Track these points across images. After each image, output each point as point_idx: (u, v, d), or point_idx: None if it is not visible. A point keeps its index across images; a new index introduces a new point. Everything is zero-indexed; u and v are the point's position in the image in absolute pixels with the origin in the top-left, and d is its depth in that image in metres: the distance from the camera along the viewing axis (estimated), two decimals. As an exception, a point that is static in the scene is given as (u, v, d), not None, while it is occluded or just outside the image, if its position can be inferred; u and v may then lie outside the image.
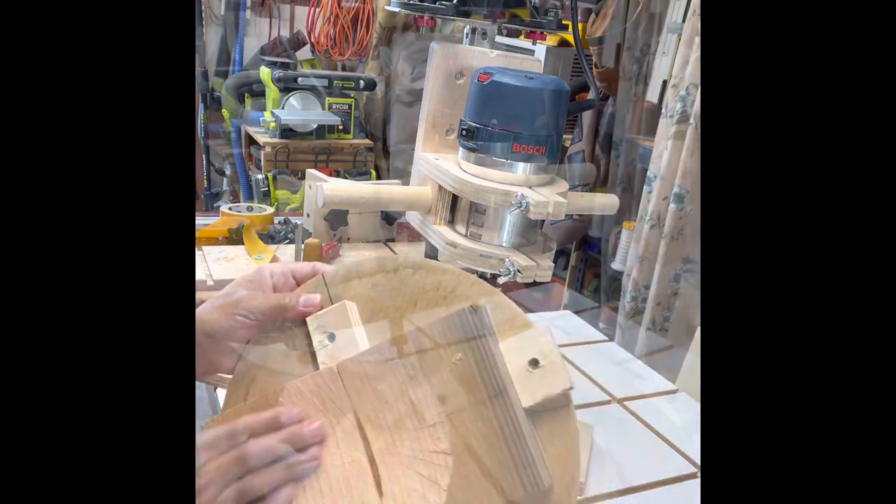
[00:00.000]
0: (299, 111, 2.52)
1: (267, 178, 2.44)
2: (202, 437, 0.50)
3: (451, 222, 0.80)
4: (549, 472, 0.48)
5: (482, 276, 0.82)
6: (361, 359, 0.53)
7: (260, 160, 2.55)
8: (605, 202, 0.83)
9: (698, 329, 1.45)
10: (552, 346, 0.50)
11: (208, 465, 0.48)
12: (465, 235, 0.78)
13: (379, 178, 2.80)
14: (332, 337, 0.54)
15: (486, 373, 0.50)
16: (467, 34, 0.82)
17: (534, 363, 0.49)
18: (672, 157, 1.76)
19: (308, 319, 0.54)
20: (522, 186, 0.72)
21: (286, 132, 2.46)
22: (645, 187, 1.87)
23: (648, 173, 1.86)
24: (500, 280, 0.74)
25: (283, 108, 2.50)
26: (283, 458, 0.49)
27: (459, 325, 0.51)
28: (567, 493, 0.49)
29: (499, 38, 0.84)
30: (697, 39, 1.70)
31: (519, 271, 0.72)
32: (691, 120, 1.70)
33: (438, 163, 0.78)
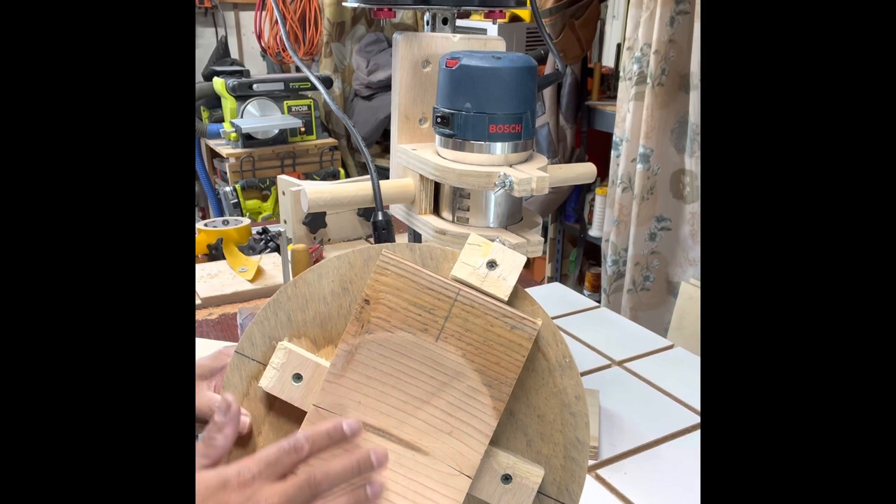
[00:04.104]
0: (259, 118, 2.50)
1: (235, 189, 2.41)
2: (261, 454, 0.49)
3: (436, 210, 0.81)
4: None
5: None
6: (331, 382, 0.52)
7: (225, 172, 2.52)
8: (583, 171, 0.84)
9: (681, 284, 1.48)
10: (492, 243, 0.54)
11: (274, 487, 0.47)
12: (452, 221, 0.78)
13: (347, 175, 2.79)
14: (297, 377, 0.53)
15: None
16: (428, 21, 0.82)
17: (491, 264, 0.53)
18: (634, 118, 1.78)
19: (261, 384, 0.53)
20: (503, 166, 0.73)
21: (248, 140, 2.44)
22: (612, 151, 1.89)
23: (614, 137, 1.88)
24: (493, 261, 0.75)
25: (241, 117, 2.47)
26: (350, 483, 0.49)
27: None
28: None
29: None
30: (646, 0, 1.72)
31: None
32: (648, 80, 1.73)
33: (416, 153, 0.78)
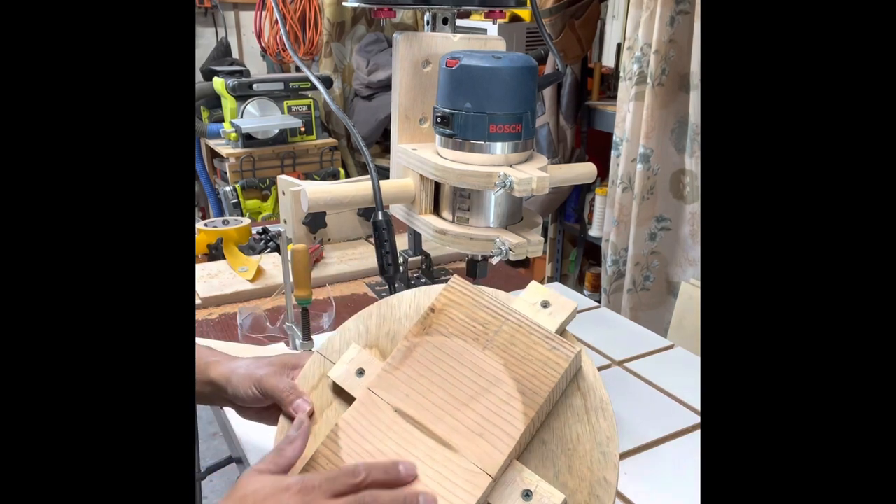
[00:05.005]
0: (259, 118, 2.49)
1: (235, 189, 2.41)
2: (323, 472, 0.53)
3: (437, 210, 0.81)
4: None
5: (473, 259, 0.83)
6: (387, 372, 0.58)
7: (225, 172, 2.52)
8: (583, 171, 0.84)
9: (681, 284, 1.48)
10: (550, 290, 0.61)
11: (329, 502, 0.51)
12: (453, 221, 0.78)
13: (347, 175, 2.79)
14: (360, 372, 0.60)
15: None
16: (428, 21, 0.82)
17: (545, 304, 0.60)
18: (634, 118, 1.78)
19: (330, 374, 0.61)
20: (503, 166, 0.73)
21: (248, 140, 2.44)
22: (613, 151, 1.89)
23: (614, 137, 1.88)
24: (494, 261, 0.75)
25: (241, 117, 2.47)
26: None
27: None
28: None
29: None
30: (646, 0, 1.71)
31: (511, 249, 0.73)
32: (648, 80, 1.72)
33: (416, 153, 0.78)
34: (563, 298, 0.60)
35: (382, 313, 0.64)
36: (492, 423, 0.55)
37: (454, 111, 0.72)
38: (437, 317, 0.60)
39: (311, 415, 0.60)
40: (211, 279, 1.26)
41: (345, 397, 0.60)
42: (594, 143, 2.21)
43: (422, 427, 0.56)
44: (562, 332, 0.59)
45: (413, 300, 0.63)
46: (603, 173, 2.05)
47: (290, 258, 1.00)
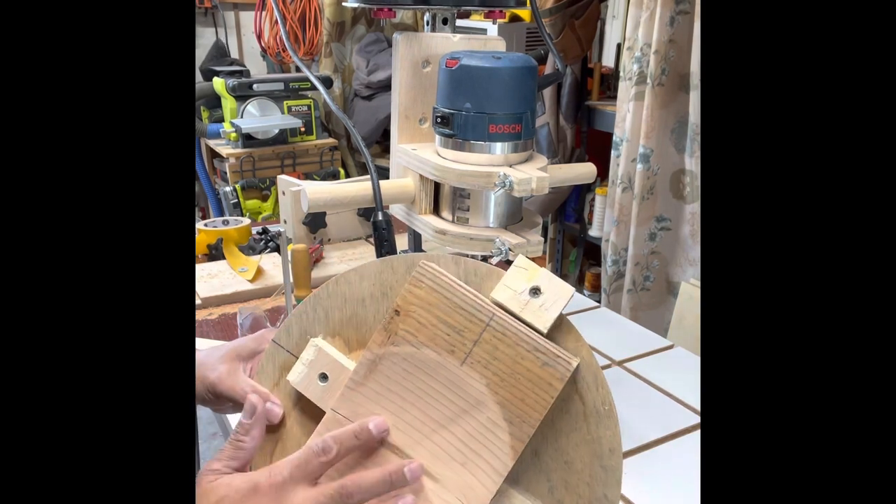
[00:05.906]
0: (259, 118, 2.49)
1: (235, 189, 2.41)
2: (291, 457, 0.48)
3: (436, 210, 0.81)
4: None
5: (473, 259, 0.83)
6: (351, 389, 0.51)
7: (225, 172, 2.52)
8: (583, 171, 0.84)
9: (681, 284, 1.48)
10: (541, 270, 0.51)
11: (306, 492, 0.46)
12: (452, 221, 0.78)
13: (347, 175, 2.79)
14: (323, 377, 0.52)
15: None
16: (428, 21, 0.82)
17: (535, 291, 0.50)
18: (634, 118, 1.78)
19: (289, 378, 0.53)
20: (503, 166, 0.73)
21: (248, 140, 2.44)
22: (612, 151, 1.89)
23: (614, 137, 1.88)
24: (493, 261, 0.75)
25: (241, 117, 2.47)
26: (381, 498, 0.48)
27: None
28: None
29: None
30: (646, 0, 1.71)
31: (510, 249, 0.73)
32: (648, 80, 1.73)
33: (416, 153, 0.78)
34: (557, 282, 0.50)
35: (342, 292, 0.53)
36: (475, 452, 0.49)
37: (454, 111, 0.72)
38: (404, 321, 0.50)
39: (281, 420, 0.53)
40: (211, 279, 1.26)
41: (306, 403, 0.53)
42: (594, 143, 2.21)
43: (397, 451, 0.50)
44: (558, 324, 0.50)
45: (377, 277, 0.53)
46: (603, 173, 2.05)
47: (290, 258, 1.00)
